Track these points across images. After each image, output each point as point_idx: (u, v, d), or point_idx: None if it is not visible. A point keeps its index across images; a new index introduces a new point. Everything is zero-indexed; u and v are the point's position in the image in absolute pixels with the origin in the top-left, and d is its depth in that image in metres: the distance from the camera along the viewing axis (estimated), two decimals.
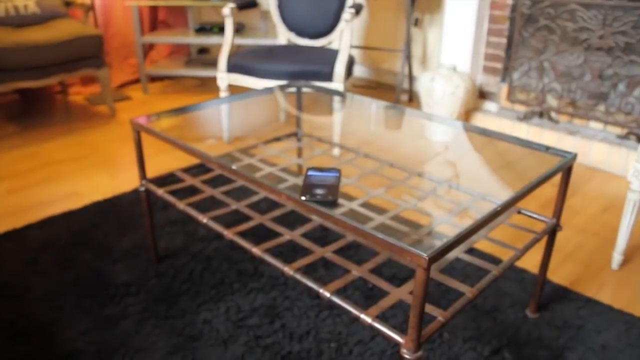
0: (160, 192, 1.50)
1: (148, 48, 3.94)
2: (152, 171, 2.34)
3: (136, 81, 3.79)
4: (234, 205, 1.47)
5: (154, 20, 3.94)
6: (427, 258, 0.84)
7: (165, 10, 3.98)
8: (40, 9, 3.01)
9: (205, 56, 3.98)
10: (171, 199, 1.46)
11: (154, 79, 3.87)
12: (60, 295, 1.51)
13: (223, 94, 2.57)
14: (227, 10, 2.56)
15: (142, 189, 1.57)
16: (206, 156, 1.28)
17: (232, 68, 2.52)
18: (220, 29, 3.56)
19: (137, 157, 1.51)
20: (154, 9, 3.91)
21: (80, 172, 2.34)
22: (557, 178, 2.26)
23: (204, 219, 1.36)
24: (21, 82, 2.72)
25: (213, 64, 3.64)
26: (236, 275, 1.60)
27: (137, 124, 1.46)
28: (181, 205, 1.43)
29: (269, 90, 1.89)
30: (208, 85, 3.77)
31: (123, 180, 2.27)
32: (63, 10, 3.11)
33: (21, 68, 2.71)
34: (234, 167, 1.21)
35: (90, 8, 3.26)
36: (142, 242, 1.78)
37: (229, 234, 1.29)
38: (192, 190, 2.11)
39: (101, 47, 2.95)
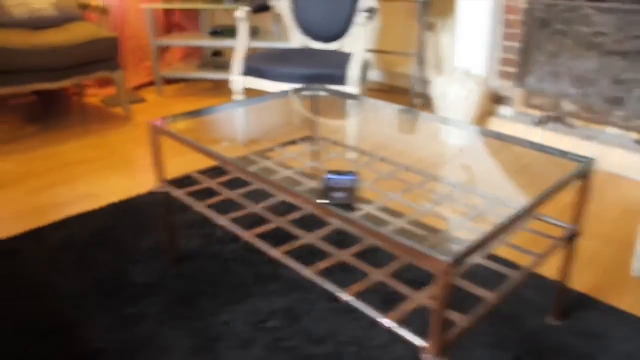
0: (179, 193, 1.52)
1: (163, 51, 3.98)
2: (168, 173, 2.36)
3: (151, 84, 3.82)
4: (251, 208, 1.48)
5: (169, 23, 3.97)
6: (450, 263, 0.85)
7: (179, 13, 4.01)
8: (57, 11, 3.04)
9: (219, 59, 4.00)
10: (190, 200, 1.47)
11: (168, 81, 3.90)
12: (81, 295, 1.52)
13: (238, 97, 2.58)
14: (241, 13, 2.58)
15: (161, 190, 1.58)
16: (225, 159, 1.29)
17: (246, 71, 2.53)
18: (234, 33, 3.58)
19: (154, 159, 1.53)
20: (168, 12, 3.94)
21: (97, 174, 2.36)
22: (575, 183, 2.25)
23: (222, 220, 1.37)
24: (39, 84, 2.75)
25: (227, 67, 3.66)
26: (254, 277, 1.61)
27: (155, 126, 1.48)
28: (200, 207, 1.44)
29: (284, 94, 1.90)
30: (222, 88, 3.79)
31: (139, 182, 2.28)
32: (79, 13, 3.15)
33: (39, 70, 2.74)
34: (252, 169, 1.22)
35: (106, 11, 3.29)
36: (160, 243, 1.79)
37: (248, 235, 1.30)
38: (209, 193, 2.12)
39: (116, 50, 2.98)
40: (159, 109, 3.32)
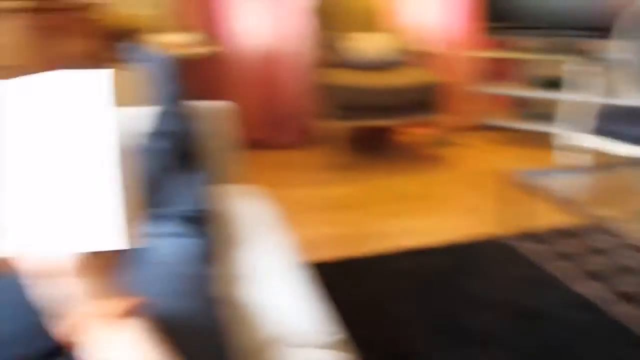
0: (526, 248, 1.48)
1: (484, 97, 4.01)
2: (502, 222, 2.14)
3: (471, 128, 3.87)
4: (613, 280, 1.35)
5: (491, 70, 4.01)
6: None
7: (503, 61, 4.01)
8: (395, 55, 3.37)
9: (540, 111, 3.84)
10: (538, 257, 1.42)
11: (487, 128, 3.89)
12: (417, 329, 1.59)
13: (577, 156, 2.43)
14: (576, 67, 2.43)
15: (508, 242, 1.56)
16: (616, 225, 1.20)
17: (583, 128, 2.37)
18: (558, 84, 3.41)
19: (499, 207, 1.52)
20: (491, 60, 3.99)
21: (419, 210, 2.50)
22: None
23: (581, 287, 1.28)
24: (375, 120, 3.09)
25: (549, 119, 3.49)
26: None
27: (507, 176, 1.48)
28: (552, 267, 1.38)
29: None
30: (542, 140, 3.57)
31: (462, 224, 2.31)
32: (411, 58, 3.43)
33: (377, 107, 3.07)
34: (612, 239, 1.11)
35: (434, 56, 3.50)
36: (500, 293, 1.75)
37: (615, 310, 1.17)
38: (554, 251, 1.93)
39: (443, 94, 3.14)
40: (478, 153, 3.38)
